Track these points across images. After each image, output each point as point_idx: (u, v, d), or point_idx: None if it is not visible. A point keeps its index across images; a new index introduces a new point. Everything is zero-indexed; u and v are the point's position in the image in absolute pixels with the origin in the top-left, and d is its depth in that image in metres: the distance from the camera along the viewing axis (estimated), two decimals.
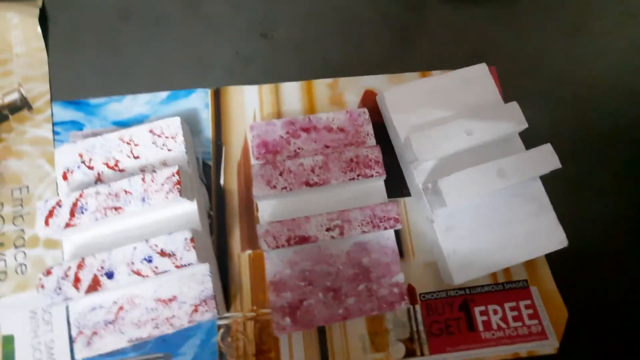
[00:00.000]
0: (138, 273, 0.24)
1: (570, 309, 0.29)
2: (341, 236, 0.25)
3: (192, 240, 0.24)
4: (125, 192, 0.25)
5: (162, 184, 0.25)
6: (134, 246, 0.24)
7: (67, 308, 0.27)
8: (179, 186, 0.25)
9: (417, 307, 0.29)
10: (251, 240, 0.30)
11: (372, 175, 0.26)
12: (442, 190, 0.26)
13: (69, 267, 0.24)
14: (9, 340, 0.27)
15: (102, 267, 0.24)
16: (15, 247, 0.29)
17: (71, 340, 0.27)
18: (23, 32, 0.34)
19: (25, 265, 0.29)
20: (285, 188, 0.26)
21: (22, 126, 0.31)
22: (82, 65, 0.34)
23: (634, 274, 0.31)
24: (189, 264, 0.24)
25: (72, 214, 0.25)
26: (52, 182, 0.30)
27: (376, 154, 0.27)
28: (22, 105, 0.32)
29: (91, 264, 0.24)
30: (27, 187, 0.30)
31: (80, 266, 0.24)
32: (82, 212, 0.25)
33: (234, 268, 0.29)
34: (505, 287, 0.30)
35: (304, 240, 0.25)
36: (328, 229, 0.25)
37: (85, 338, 0.25)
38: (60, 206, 0.25)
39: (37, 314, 0.28)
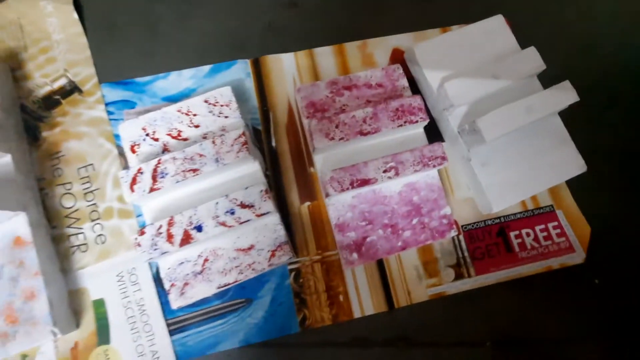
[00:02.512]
0: (224, 224, 0.26)
1: (592, 225, 0.33)
2: (397, 176, 0.28)
3: (266, 191, 0.27)
4: (200, 155, 0.28)
5: (232, 145, 0.28)
6: (215, 202, 0.27)
7: (150, 267, 0.30)
8: (246, 146, 0.28)
9: (461, 237, 0.33)
10: (308, 193, 0.32)
11: (417, 121, 0.29)
12: (480, 128, 0.29)
13: (161, 226, 0.26)
14: (99, 303, 0.30)
15: (191, 223, 0.26)
16: (92, 220, 0.31)
17: (160, 296, 0.30)
18: (59, 19, 0.35)
19: (104, 235, 0.31)
20: (342, 139, 0.28)
21: (76, 109, 0.33)
22: (122, 46, 0.35)
23: None
24: (267, 213, 0.27)
25: (154, 179, 0.27)
26: (115, 159, 0.32)
27: (418, 102, 0.30)
28: (71, 89, 0.33)
29: (180, 220, 0.26)
30: (92, 165, 0.32)
31: (170, 223, 0.26)
32: (163, 177, 0.27)
33: (296, 219, 0.32)
34: (535, 213, 0.34)
35: (364, 182, 0.28)
36: (385, 171, 0.28)
37: (178, 289, 0.28)
38: (141, 173, 0.27)
39: (123, 276, 0.30)
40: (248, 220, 0.27)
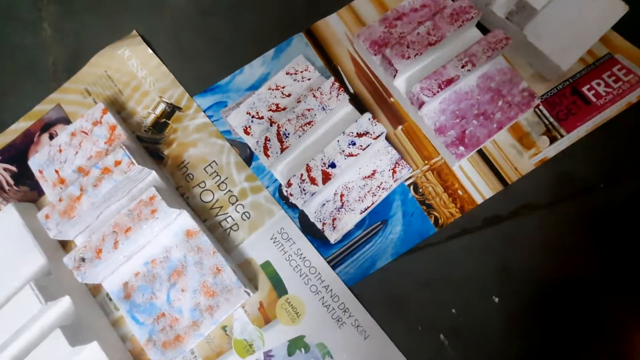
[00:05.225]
0: (351, 155, 0.31)
1: None
2: (474, 67, 0.32)
3: (373, 117, 0.31)
4: (308, 110, 0.32)
5: (330, 93, 0.32)
6: (336, 140, 0.31)
7: (295, 223, 0.35)
8: (342, 89, 0.32)
9: (541, 107, 0.36)
10: (396, 118, 0.37)
11: (472, 17, 0.33)
12: (528, 1, 0.32)
13: (302, 174, 0.31)
14: (266, 265, 0.35)
15: (324, 163, 0.31)
16: (232, 204, 0.36)
17: (312, 241, 0.34)
18: (137, 59, 0.40)
19: (247, 212, 0.36)
20: (416, 54, 0.32)
21: (182, 123, 0.38)
22: (196, 61, 0.40)
23: None
24: (381, 133, 0.31)
25: (280, 141, 0.32)
26: (230, 150, 0.37)
27: (466, 1, 0.33)
28: (172, 110, 0.39)
29: (315, 164, 0.31)
30: (214, 161, 0.37)
31: (308, 169, 0.31)
32: (287, 137, 0.32)
33: (396, 142, 0.36)
34: (596, 65, 0.37)
35: (450, 81, 0.32)
36: (463, 66, 0.32)
37: (330, 226, 0.32)
38: (269, 140, 0.32)
39: (276, 237, 0.35)
40: (369, 145, 0.31)
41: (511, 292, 0.33)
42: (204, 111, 0.38)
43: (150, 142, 0.38)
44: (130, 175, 0.32)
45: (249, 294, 0.32)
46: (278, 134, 0.32)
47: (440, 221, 0.34)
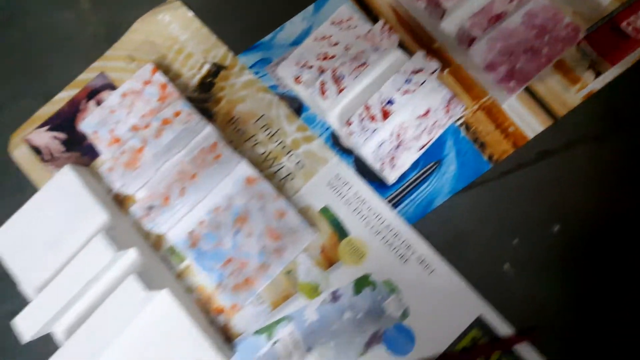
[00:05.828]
0: (407, 91, 0.31)
1: None
2: (521, 1, 0.32)
3: (427, 53, 0.32)
4: (361, 52, 0.33)
5: (382, 34, 0.33)
6: (392, 79, 0.32)
7: (349, 167, 0.35)
8: (393, 30, 0.33)
9: (582, 44, 0.37)
10: (442, 62, 0.36)
11: None
12: None
13: (360, 112, 0.31)
14: (325, 210, 0.35)
15: (382, 101, 0.31)
16: (286, 154, 0.36)
17: (371, 183, 0.35)
18: (178, 23, 0.41)
19: (301, 161, 0.36)
20: None
21: (229, 82, 0.39)
22: (235, 22, 0.41)
23: None
24: (436, 70, 0.32)
25: (337, 83, 0.32)
26: (279, 103, 0.38)
27: None
28: (217, 69, 0.39)
29: (373, 103, 0.32)
30: (263, 115, 0.37)
31: (367, 108, 0.31)
32: (342, 78, 0.32)
33: (445, 84, 0.37)
34: (631, 2, 0.38)
35: (498, 17, 0.32)
36: (510, 1, 0.33)
37: (388, 165, 0.33)
38: (325, 84, 0.32)
39: (333, 183, 0.35)
40: (424, 82, 0.31)
41: (570, 221, 0.34)
42: (249, 68, 0.39)
43: (199, 102, 0.39)
44: (189, 126, 0.32)
45: (314, 233, 0.32)
46: (334, 77, 0.32)
47: (494, 157, 0.35)
